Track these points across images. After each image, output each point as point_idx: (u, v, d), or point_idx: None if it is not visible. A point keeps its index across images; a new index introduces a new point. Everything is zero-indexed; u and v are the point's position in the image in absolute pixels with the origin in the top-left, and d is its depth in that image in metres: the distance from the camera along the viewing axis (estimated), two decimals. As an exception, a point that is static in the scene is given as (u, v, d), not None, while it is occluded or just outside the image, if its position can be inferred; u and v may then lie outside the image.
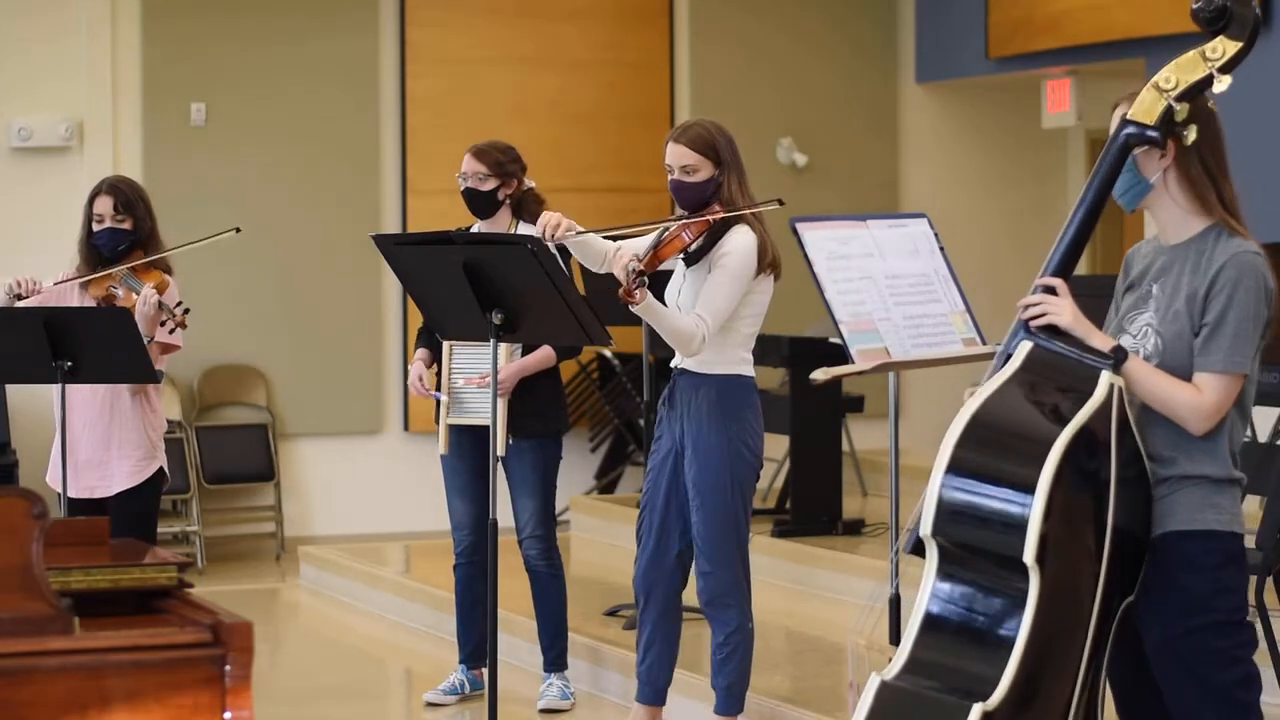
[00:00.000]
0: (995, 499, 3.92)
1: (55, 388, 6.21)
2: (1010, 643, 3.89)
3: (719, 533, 5.86)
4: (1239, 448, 4.08)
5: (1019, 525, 3.85)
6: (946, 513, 3.97)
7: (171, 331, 6.40)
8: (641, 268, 5.50)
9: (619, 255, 5.53)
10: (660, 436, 6.00)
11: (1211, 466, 4.01)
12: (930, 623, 4.03)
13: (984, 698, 3.85)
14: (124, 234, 6.49)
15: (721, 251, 5.74)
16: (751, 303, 5.82)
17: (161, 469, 6.50)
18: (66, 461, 6.30)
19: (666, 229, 5.74)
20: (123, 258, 6.50)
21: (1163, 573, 4.02)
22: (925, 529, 4.00)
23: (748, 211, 5.77)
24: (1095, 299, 4.12)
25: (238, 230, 6.67)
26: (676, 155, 5.82)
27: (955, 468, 3.95)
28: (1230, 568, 4.02)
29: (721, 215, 5.73)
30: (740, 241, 5.75)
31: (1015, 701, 3.87)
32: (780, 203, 5.69)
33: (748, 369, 5.88)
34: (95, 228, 6.50)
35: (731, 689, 5.98)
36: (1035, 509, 3.84)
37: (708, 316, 5.70)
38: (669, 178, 5.85)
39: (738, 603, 5.93)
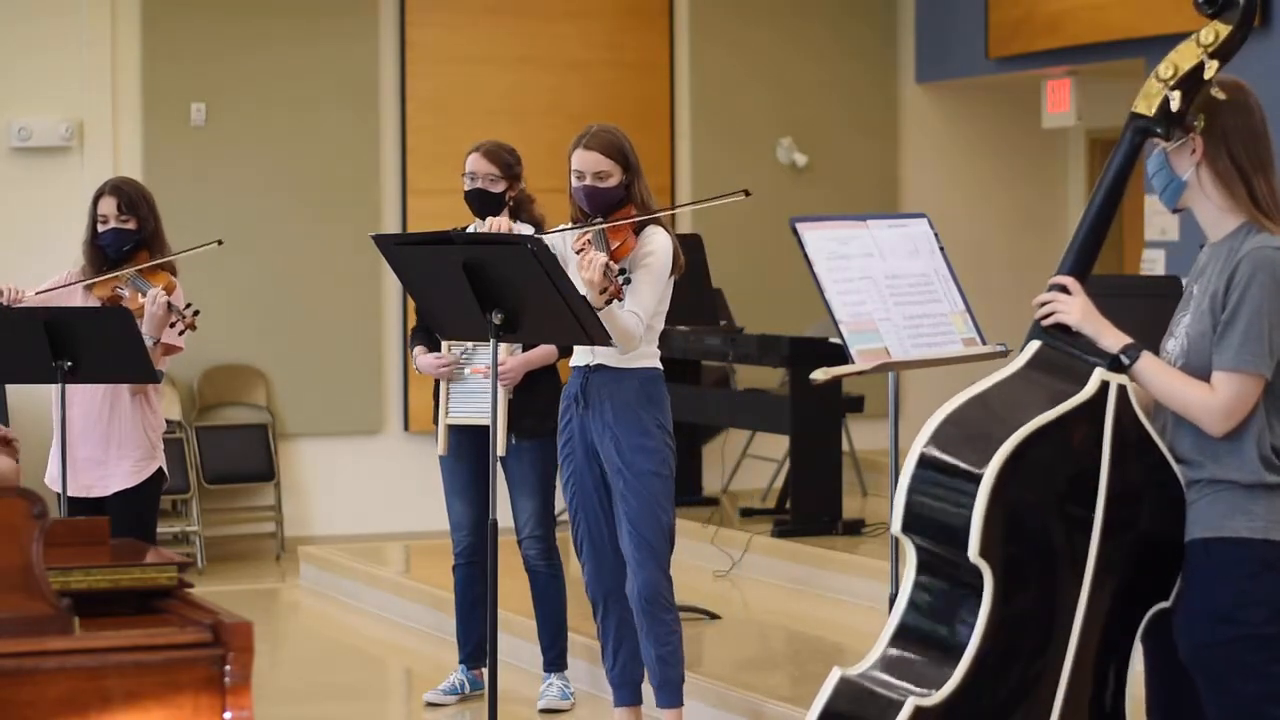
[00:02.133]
0: (952, 491, 3.84)
1: (55, 388, 6.21)
2: (966, 644, 3.83)
3: (655, 519, 5.94)
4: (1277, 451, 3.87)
5: (968, 520, 3.78)
6: (913, 510, 3.92)
7: (181, 333, 6.40)
8: (619, 268, 5.63)
9: (593, 259, 5.60)
10: (571, 437, 6.03)
11: (1239, 471, 3.86)
12: (903, 621, 3.99)
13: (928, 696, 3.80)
14: (128, 234, 6.48)
15: (645, 251, 5.89)
16: (664, 299, 5.97)
17: (160, 469, 6.50)
18: (66, 461, 6.30)
19: (603, 232, 5.87)
20: (127, 258, 6.49)
21: (1189, 581, 3.90)
22: (895, 528, 3.97)
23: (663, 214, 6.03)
24: (1098, 298, 4.08)
25: (219, 243, 6.62)
26: (589, 161, 5.93)
27: (922, 463, 3.90)
28: (1265, 577, 3.83)
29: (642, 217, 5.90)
30: (661, 242, 5.92)
31: (959, 703, 3.79)
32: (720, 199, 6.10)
33: (658, 361, 6.04)
34: (100, 228, 6.49)
35: (680, 681, 6.07)
36: (979, 502, 3.77)
37: (642, 314, 5.84)
38: (578, 183, 5.95)
39: (670, 591, 6.02)
